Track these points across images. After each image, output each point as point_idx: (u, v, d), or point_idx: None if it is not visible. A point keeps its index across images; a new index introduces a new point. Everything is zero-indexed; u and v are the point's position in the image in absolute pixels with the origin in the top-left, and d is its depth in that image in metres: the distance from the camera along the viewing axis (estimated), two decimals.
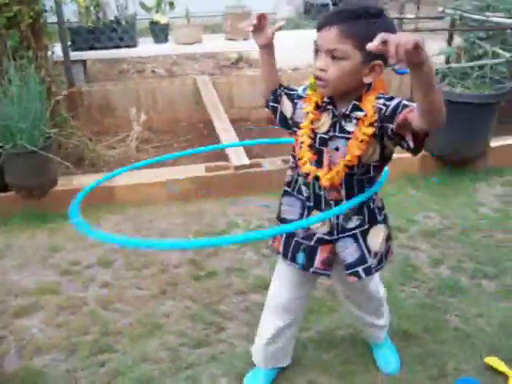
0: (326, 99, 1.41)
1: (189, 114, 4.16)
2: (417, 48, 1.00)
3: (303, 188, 1.52)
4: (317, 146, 1.45)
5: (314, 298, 2.19)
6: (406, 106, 1.28)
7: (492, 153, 3.47)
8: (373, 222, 1.52)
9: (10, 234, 2.81)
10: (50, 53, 3.29)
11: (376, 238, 1.53)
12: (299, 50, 4.63)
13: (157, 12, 4.25)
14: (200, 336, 2.11)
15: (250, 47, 4.34)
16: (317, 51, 1.35)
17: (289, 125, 1.56)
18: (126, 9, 4.16)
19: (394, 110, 1.30)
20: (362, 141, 1.35)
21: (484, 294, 2.36)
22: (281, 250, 1.61)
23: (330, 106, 1.42)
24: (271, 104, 1.59)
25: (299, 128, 1.49)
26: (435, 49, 3.90)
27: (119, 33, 4.08)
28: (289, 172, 1.58)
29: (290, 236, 1.58)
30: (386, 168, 1.49)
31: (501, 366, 1.94)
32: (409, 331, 2.10)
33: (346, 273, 1.55)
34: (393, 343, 2.01)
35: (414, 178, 3.40)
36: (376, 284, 1.75)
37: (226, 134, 3.41)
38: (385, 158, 1.42)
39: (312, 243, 1.54)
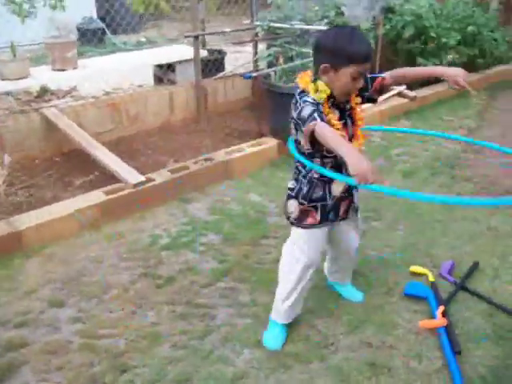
0: (332, 98, 1.86)
1: (40, 150, 3.96)
2: None
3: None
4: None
5: None
6: (374, 78, 1.93)
7: None
8: None
9: None
10: None
11: None
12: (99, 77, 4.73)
13: None
14: (201, 328, 2.29)
15: (83, 76, 4.35)
16: (360, 76, 1.79)
17: None
18: None
19: (367, 82, 1.91)
20: (358, 109, 1.91)
21: (378, 231, 3.07)
22: (317, 221, 2.03)
23: (335, 102, 1.89)
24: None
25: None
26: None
27: None
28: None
29: (323, 208, 2.01)
30: None
31: (421, 270, 2.65)
32: None
33: (352, 213, 2.11)
34: None
35: (276, 162, 4.00)
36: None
37: (107, 157, 3.46)
38: None
39: (334, 202, 2.02)
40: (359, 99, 1.90)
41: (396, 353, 2.14)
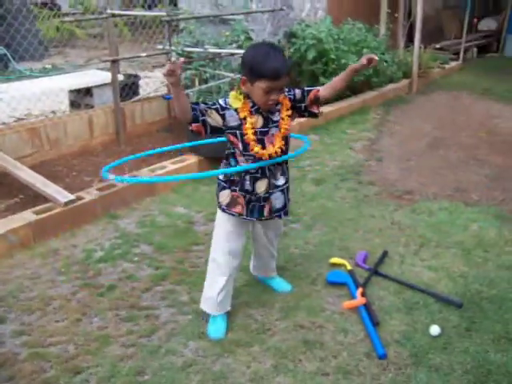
0: (255, 106, 2.12)
1: None
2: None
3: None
4: (258, 137, 2.15)
5: None
6: (309, 90, 2.18)
7: None
8: (289, 180, 2.34)
9: None
10: None
11: (290, 191, 2.35)
12: None
13: None
14: (146, 327, 2.44)
15: None
16: (271, 90, 2.04)
17: (220, 131, 2.16)
18: None
19: (303, 94, 2.17)
20: (286, 120, 2.16)
21: (298, 231, 3.38)
22: (244, 212, 2.25)
23: (260, 110, 2.15)
24: (201, 118, 2.08)
25: (235, 129, 2.14)
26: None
27: None
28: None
29: (249, 202, 2.24)
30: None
31: (339, 261, 2.98)
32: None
33: (274, 215, 2.31)
34: None
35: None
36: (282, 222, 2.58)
37: (33, 178, 3.49)
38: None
39: (261, 203, 2.26)
40: (288, 112, 2.16)
41: (325, 330, 2.42)
